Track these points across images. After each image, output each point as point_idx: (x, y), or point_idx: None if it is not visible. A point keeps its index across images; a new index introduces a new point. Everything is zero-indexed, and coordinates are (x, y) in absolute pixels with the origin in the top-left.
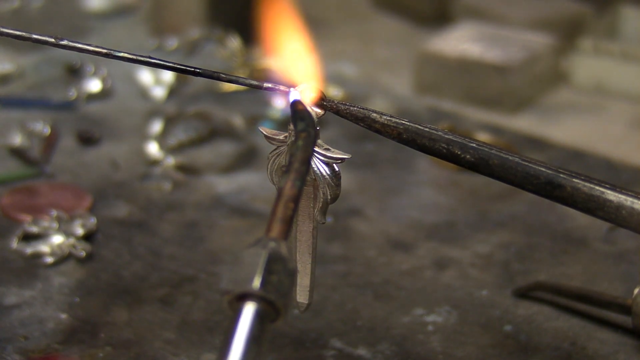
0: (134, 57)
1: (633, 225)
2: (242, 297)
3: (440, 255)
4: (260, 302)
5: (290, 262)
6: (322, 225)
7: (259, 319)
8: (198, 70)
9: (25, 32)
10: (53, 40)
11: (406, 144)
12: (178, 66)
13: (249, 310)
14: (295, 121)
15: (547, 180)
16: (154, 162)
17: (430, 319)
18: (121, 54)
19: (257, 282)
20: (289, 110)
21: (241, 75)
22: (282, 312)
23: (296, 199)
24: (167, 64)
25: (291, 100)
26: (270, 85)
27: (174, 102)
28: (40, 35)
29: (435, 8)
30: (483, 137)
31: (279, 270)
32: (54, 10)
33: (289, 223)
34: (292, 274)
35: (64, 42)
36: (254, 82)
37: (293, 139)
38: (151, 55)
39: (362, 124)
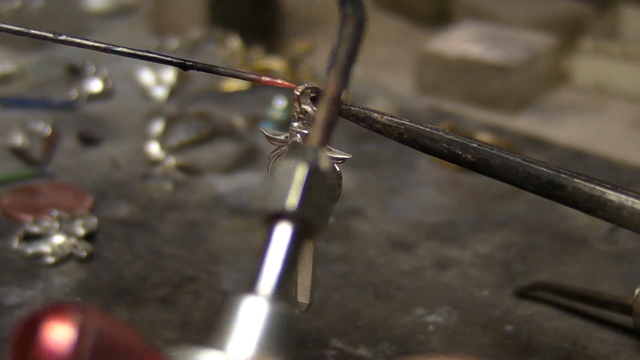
0: (133, 51)
1: (634, 225)
2: (277, 216)
3: (441, 255)
4: (296, 222)
5: (329, 174)
6: None
7: (295, 240)
8: (195, 64)
9: (24, 27)
10: (51, 35)
11: (407, 144)
12: (175, 60)
13: (283, 231)
14: (343, 2)
15: (548, 180)
16: (154, 162)
17: (431, 319)
18: (119, 49)
19: (293, 200)
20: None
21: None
22: (318, 232)
23: (339, 100)
24: (166, 58)
25: None
26: (268, 79)
27: (174, 102)
28: (38, 30)
29: (436, 8)
30: (484, 137)
31: (317, 185)
32: (54, 10)
33: (330, 128)
34: (332, 188)
35: (63, 37)
36: (253, 76)
37: (340, 32)
38: (150, 50)
39: (363, 124)
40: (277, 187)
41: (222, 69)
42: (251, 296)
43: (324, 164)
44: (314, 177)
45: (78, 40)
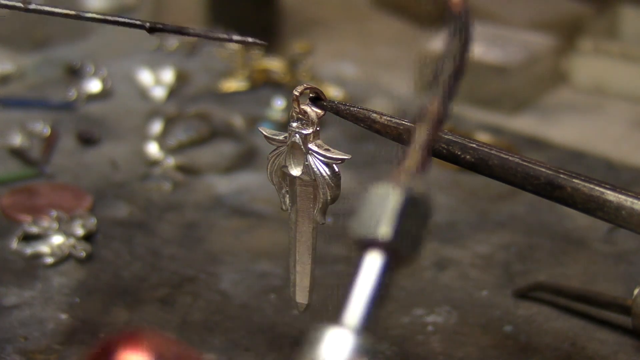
0: (101, 17)
1: (633, 225)
2: (368, 245)
3: (441, 255)
4: (387, 252)
5: (424, 201)
6: (322, 226)
7: (385, 271)
8: (162, 27)
9: None
10: (21, 5)
11: (406, 145)
12: (139, 22)
13: (374, 261)
14: (450, 20)
15: (547, 181)
16: (154, 163)
17: (430, 320)
18: (88, 15)
19: (385, 229)
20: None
21: (241, 76)
22: (410, 261)
23: (440, 123)
24: (130, 21)
25: None
26: (238, 38)
27: (174, 102)
28: (7, 0)
29: (436, 8)
30: (483, 137)
31: (411, 213)
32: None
33: (428, 153)
34: (427, 216)
35: (33, 7)
36: (223, 36)
37: (445, 50)
38: (121, 15)
39: (362, 125)
40: (369, 212)
41: (191, 30)
42: (337, 328)
43: (420, 191)
44: (409, 205)
45: (48, 9)
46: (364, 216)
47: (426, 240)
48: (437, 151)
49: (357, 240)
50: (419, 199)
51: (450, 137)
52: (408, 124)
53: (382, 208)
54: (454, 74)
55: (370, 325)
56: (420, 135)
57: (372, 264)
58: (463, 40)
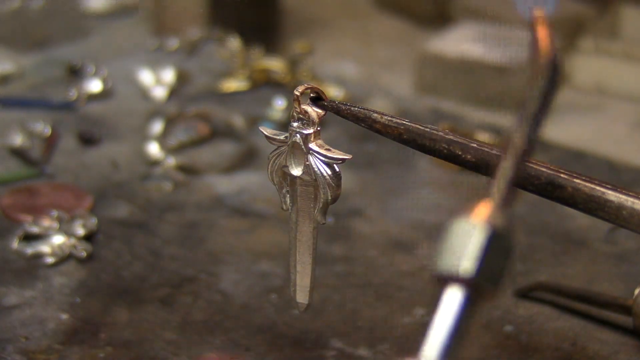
0: None
1: (634, 225)
2: (450, 279)
3: None
4: (469, 288)
5: (508, 235)
6: (323, 226)
7: (466, 307)
8: None
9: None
10: None
11: (407, 145)
12: None
13: (455, 296)
14: (535, 42)
15: (547, 181)
16: (154, 163)
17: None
18: None
19: (468, 265)
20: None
21: (241, 76)
22: (492, 296)
23: (524, 157)
24: None
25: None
26: None
27: (174, 102)
28: None
29: (436, 8)
30: (483, 137)
31: (495, 249)
32: (54, 10)
33: (513, 187)
34: (510, 251)
35: None
36: None
37: (533, 82)
38: None
39: (362, 125)
40: (453, 246)
41: None
42: None
43: (505, 226)
44: (494, 241)
45: None
46: (447, 251)
47: (508, 275)
48: (438, 151)
49: (440, 275)
50: (502, 234)
51: (451, 137)
52: (409, 123)
53: (465, 243)
54: (541, 108)
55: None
56: (506, 169)
57: (454, 299)
58: (551, 73)
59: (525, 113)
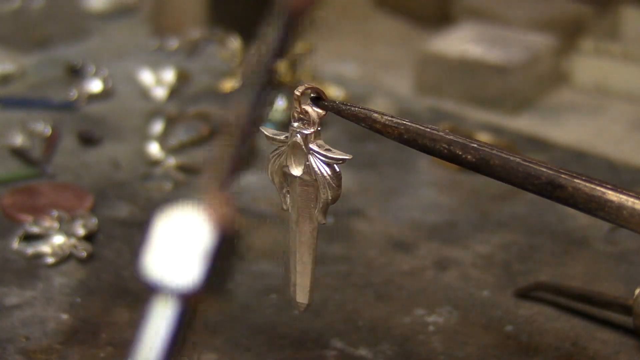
0: None
1: (634, 225)
2: (158, 291)
3: (441, 255)
4: (185, 301)
5: (231, 233)
6: (323, 226)
7: (182, 312)
8: None
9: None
10: None
11: (407, 145)
12: None
13: (170, 304)
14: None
15: (548, 181)
16: (154, 163)
17: (431, 319)
18: None
19: (185, 273)
20: None
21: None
22: (216, 299)
23: (245, 139)
24: None
25: None
26: None
27: (174, 102)
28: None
29: (436, 8)
30: (484, 137)
31: (217, 250)
32: (54, 10)
33: (234, 174)
34: (234, 249)
35: None
36: None
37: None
38: None
39: (363, 125)
40: (167, 248)
41: None
42: None
43: (226, 223)
44: (216, 241)
45: None
46: (162, 250)
47: (231, 276)
48: (438, 151)
49: (152, 283)
50: (224, 232)
51: (451, 137)
52: (409, 123)
53: (181, 246)
54: (266, 80)
55: None
56: (224, 155)
57: (169, 307)
58: (282, 41)
59: (244, 90)
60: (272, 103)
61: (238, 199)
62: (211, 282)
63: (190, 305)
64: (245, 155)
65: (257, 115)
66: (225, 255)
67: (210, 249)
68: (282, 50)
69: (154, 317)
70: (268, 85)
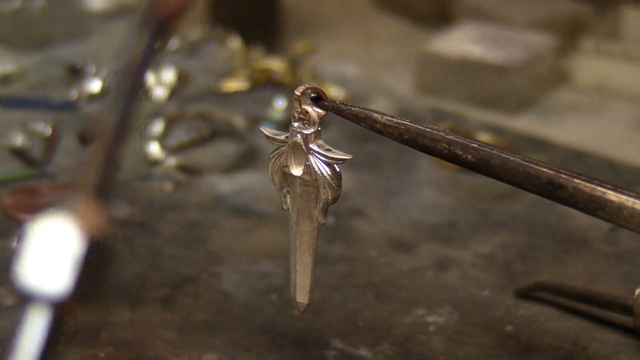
0: None
1: (634, 225)
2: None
3: (442, 255)
4: (56, 304)
5: (101, 240)
6: (323, 226)
7: (53, 322)
8: None
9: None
10: None
11: (407, 145)
12: None
13: (40, 313)
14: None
15: (548, 181)
16: (155, 163)
17: (432, 319)
18: None
19: (56, 282)
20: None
21: (242, 76)
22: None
23: (115, 143)
24: None
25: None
26: None
27: (175, 102)
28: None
29: (437, 8)
30: (484, 137)
31: (88, 257)
32: (54, 10)
33: (105, 178)
34: (105, 256)
35: None
36: None
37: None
38: None
39: (363, 125)
40: (38, 259)
41: None
42: None
43: (97, 230)
44: (86, 248)
45: None
46: (32, 263)
47: (104, 281)
48: (438, 151)
49: (22, 291)
50: (94, 239)
51: (451, 137)
52: (410, 124)
53: (51, 253)
54: (134, 87)
55: None
56: (94, 160)
57: (39, 317)
58: (150, 49)
59: (114, 97)
60: (140, 111)
61: (107, 206)
62: (81, 289)
63: (60, 313)
64: (115, 163)
65: (126, 123)
66: (93, 262)
67: (79, 256)
68: (149, 57)
69: (26, 325)
70: (136, 92)
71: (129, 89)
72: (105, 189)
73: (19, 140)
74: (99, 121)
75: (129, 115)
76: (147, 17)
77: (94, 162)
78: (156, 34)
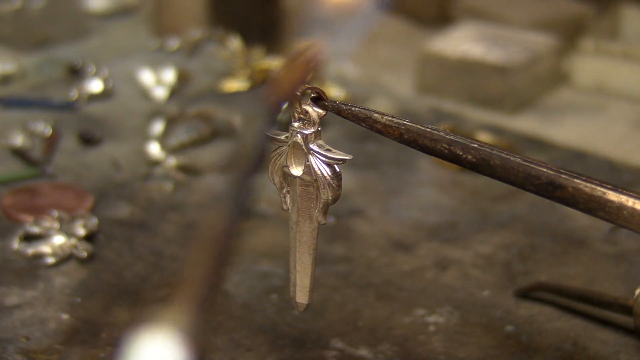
0: None
1: (634, 225)
2: None
3: (442, 255)
4: None
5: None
6: (323, 226)
7: None
8: None
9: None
10: None
11: (408, 145)
12: None
13: None
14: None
15: (548, 181)
16: (155, 163)
17: (432, 320)
18: None
19: None
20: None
21: (242, 76)
22: None
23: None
24: None
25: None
26: None
27: (175, 102)
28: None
29: (437, 8)
30: (484, 137)
31: None
32: (55, 10)
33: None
34: None
35: None
36: None
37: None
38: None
39: (363, 125)
40: None
41: None
42: None
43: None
44: None
45: None
46: None
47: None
48: (438, 151)
49: None
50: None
51: (451, 137)
52: (410, 124)
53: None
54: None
55: None
56: (194, 279)
57: None
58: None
59: (226, 198)
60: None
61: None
62: None
63: None
64: (224, 275)
65: (237, 227)
66: None
67: None
68: (263, 157)
69: None
70: (248, 194)
71: (242, 190)
72: (211, 304)
73: (19, 140)
74: (208, 223)
75: (240, 218)
76: (263, 104)
77: (202, 271)
78: (271, 122)
